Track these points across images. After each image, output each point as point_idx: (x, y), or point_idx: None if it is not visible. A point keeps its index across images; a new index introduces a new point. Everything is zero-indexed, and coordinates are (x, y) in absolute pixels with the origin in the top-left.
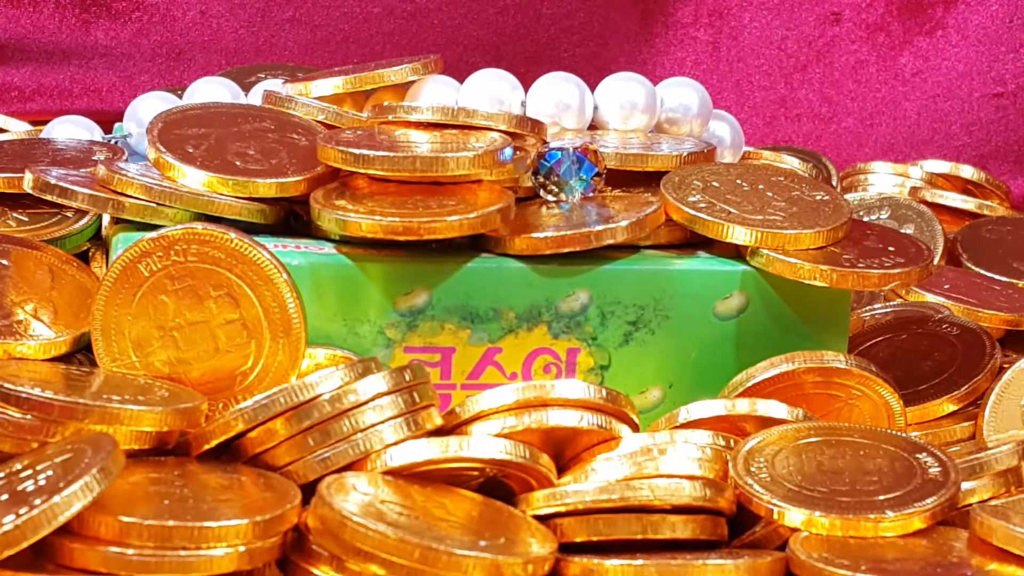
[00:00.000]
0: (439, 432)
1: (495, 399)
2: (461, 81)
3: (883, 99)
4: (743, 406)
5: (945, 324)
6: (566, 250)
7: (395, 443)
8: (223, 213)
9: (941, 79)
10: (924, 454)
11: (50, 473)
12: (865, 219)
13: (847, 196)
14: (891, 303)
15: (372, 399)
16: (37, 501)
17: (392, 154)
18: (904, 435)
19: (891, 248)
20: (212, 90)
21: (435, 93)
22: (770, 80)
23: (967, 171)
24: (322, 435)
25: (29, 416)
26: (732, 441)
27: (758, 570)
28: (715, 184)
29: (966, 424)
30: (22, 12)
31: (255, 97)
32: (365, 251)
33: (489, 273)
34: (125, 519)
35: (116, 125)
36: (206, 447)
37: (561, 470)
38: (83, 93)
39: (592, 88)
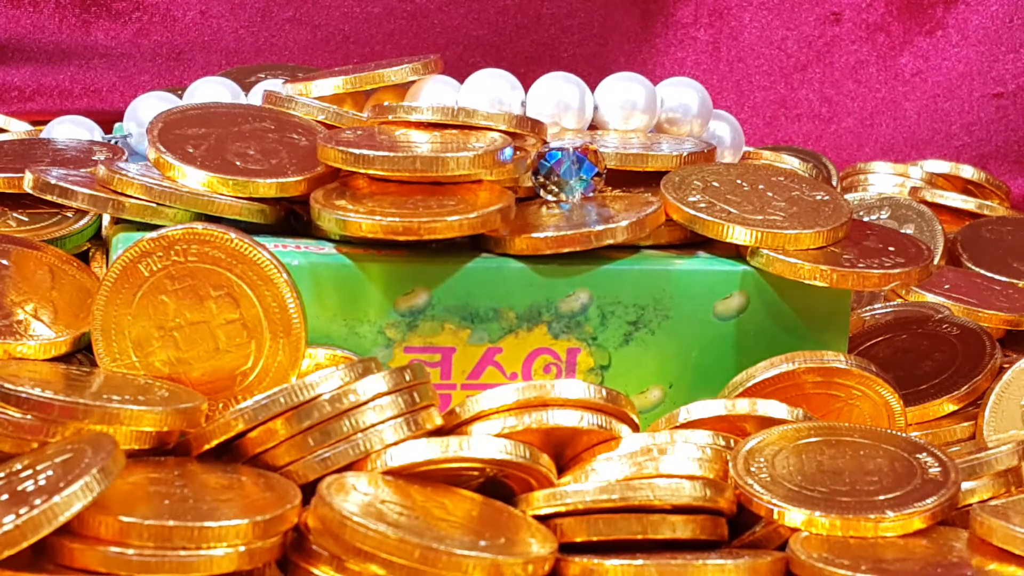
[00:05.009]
0: (439, 432)
1: (495, 399)
2: (461, 81)
3: (883, 99)
4: (743, 406)
5: (945, 324)
6: (566, 250)
7: (395, 443)
8: (223, 213)
9: (941, 79)
10: (924, 454)
11: (50, 473)
12: (865, 219)
13: (847, 196)
14: (891, 303)
15: (372, 399)
16: (37, 501)
17: (392, 154)
18: (904, 435)
19: (891, 248)
20: (212, 90)
21: (435, 93)
22: (770, 80)
23: (967, 171)
24: (322, 435)
25: (29, 416)
26: (732, 441)
27: (758, 570)
28: (715, 184)
29: (966, 424)
30: (22, 12)
31: (255, 97)
32: (365, 251)
33: (489, 273)
34: (125, 519)
35: (116, 125)
36: (206, 447)
37: (561, 470)
38: (83, 93)
39: (592, 88)
